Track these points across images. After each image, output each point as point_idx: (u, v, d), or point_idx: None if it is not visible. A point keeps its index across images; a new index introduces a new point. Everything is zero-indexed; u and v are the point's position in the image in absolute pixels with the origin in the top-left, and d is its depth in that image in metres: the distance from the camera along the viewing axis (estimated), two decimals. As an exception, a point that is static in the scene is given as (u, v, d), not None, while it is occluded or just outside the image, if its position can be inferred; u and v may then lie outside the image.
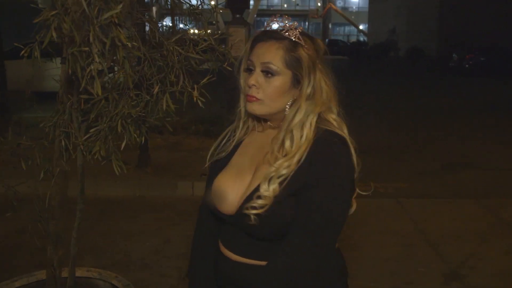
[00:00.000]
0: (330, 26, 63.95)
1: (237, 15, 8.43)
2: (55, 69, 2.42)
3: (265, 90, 1.53)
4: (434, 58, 31.14)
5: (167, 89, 1.96)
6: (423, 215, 5.51)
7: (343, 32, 64.17)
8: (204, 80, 2.05)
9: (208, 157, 1.71)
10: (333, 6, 62.38)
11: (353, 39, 57.33)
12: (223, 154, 1.67)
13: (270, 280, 1.52)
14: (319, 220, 1.48)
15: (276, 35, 1.55)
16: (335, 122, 1.57)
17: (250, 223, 1.50)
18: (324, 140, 1.51)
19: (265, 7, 65.67)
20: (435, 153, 8.28)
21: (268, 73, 1.53)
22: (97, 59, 1.57)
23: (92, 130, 1.96)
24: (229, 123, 1.74)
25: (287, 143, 1.52)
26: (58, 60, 2.22)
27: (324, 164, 1.48)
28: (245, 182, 1.59)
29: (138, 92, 1.99)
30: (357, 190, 1.60)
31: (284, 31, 1.55)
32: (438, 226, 5.18)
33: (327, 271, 1.60)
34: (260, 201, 1.48)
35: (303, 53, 1.54)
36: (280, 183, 1.49)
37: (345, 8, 64.67)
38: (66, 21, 1.63)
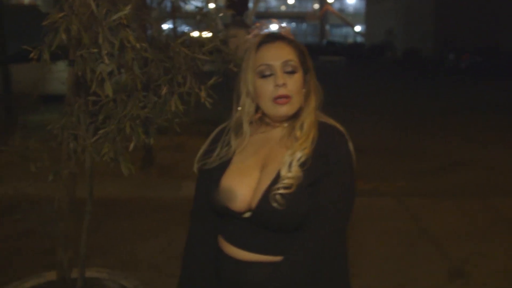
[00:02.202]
0: (327, 27, 64.02)
1: (238, 16, 8.45)
2: (59, 72, 2.44)
3: (291, 88, 1.59)
4: (430, 58, 31.19)
5: (175, 90, 1.98)
6: (424, 214, 5.52)
7: (340, 33, 64.18)
8: (211, 81, 2.08)
9: (196, 159, 1.72)
10: (330, 7, 62.46)
11: (350, 40, 57.42)
12: (223, 158, 1.67)
13: (291, 273, 1.54)
14: (336, 207, 1.55)
15: (278, 36, 1.64)
16: (324, 116, 1.67)
17: (272, 209, 1.53)
18: (328, 130, 1.61)
19: (263, 9, 65.70)
20: (435, 153, 8.31)
21: (291, 71, 1.59)
22: (106, 61, 1.59)
23: (100, 131, 1.98)
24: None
25: (298, 132, 1.60)
26: (63, 63, 2.24)
27: (336, 153, 1.57)
28: (254, 178, 1.62)
29: (146, 93, 2.00)
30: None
31: (279, 32, 1.65)
32: (440, 225, 5.19)
33: (343, 259, 1.64)
34: (285, 181, 1.53)
35: (303, 48, 1.64)
36: (301, 167, 1.54)
37: (342, 10, 64.74)
38: (75, 22, 1.65)
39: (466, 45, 27.39)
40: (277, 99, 1.58)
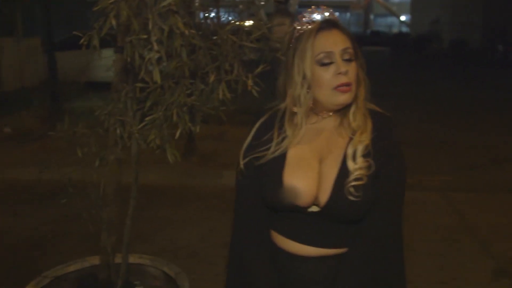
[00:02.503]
0: (372, 17, 63.09)
1: (282, 5, 8.40)
2: (104, 59, 2.44)
3: (351, 76, 1.56)
4: (478, 50, 30.39)
5: (222, 77, 1.96)
6: (470, 210, 5.39)
7: (385, 23, 63.15)
8: (259, 69, 2.05)
9: (241, 155, 1.68)
10: (375, -4, 61.47)
11: (395, 30, 56.45)
12: (277, 152, 1.62)
13: (359, 264, 1.56)
14: (395, 195, 1.58)
15: (334, 23, 1.59)
16: (368, 103, 1.65)
17: (346, 202, 1.53)
18: (378, 116, 1.62)
19: (306, -2, 65.14)
20: (482, 147, 8.08)
21: (349, 59, 1.56)
22: (155, 47, 1.58)
23: (147, 118, 1.98)
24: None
25: (352, 121, 1.59)
26: (109, 50, 2.24)
27: (391, 141, 1.58)
28: (315, 171, 1.58)
29: (193, 81, 1.99)
30: None
31: (333, 19, 1.62)
32: (486, 222, 5.06)
33: (401, 249, 1.65)
34: (357, 173, 1.53)
35: (352, 35, 1.61)
36: (364, 158, 1.54)
37: (387, -1, 63.66)
38: (124, 8, 1.64)
39: (515, 36, 26.58)
40: (339, 87, 1.54)
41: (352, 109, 1.59)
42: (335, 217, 1.57)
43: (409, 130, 8.36)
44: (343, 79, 1.54)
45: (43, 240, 4.49)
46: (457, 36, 34.19)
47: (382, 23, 63.18)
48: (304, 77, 1.56)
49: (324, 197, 1.55)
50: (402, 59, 27.84)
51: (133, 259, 2.60)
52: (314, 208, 1.58)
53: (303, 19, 1.62)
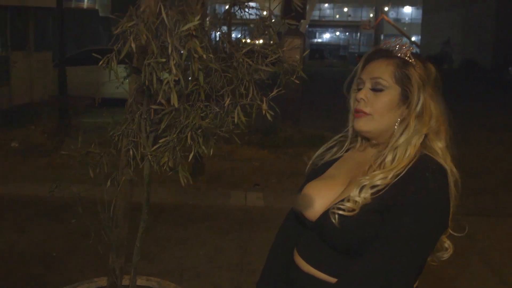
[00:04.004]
0: (382, 37, 63.31)
1: (293, 25, 8.43)
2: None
3: (373, 105, 1.54)
4: (489, 70, 30.38)
5: (237, 101, 1.95)
6: (481, 234, 5.31)
7: (395, 43, 63.30)
8: (273, 93, 2.03)
9: (309, 162, 1.76)
10: (385, 17, 61.80)
11: (405, 50, 56.49)
12: (321, 162, 1.72)
13: None
14: (398, 245, 1.42)
15: (387, 54, 1.59)
16: (440, 151, 1.54)
17: (331, 226, 1.47)
18: (423, 164, 1.47)
19: (317, 18, 65.60)
20: (494, 169, 8.02)
21: (377, 89, 1.54)
22: (174, 71, 1.57)
23: (161, 140, 1.96)
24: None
25: (389, 159, 1.51)
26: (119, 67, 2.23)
27: (417, 188, 1.43)
28: (336, 192, 1.57)
29: (207, 103, 1.98)
30: (449, 229, 1.56)
31: (395, 50, 1.59)
32: (497, 246, 5.00)
33: None
34: (348, 204, 1.46)
35: (413, 71, 1.54)
36: (372, 194, 1.46)
37: (397, 19, 64.00)
38: (144, 32, 1.63)
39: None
40: (355, 112, 1.59)
41: (392, 145, 1.52)
42: (321, 237, 1.55)
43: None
44: (358, 106, 1.57)
45: (49, 257, 4.45)
46: (468, 56, 34.24)
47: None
48: (350, 100, 1.65)
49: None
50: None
51: (140, 281, 2.57)
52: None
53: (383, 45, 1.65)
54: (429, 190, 1.43)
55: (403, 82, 1.54)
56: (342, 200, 1.50)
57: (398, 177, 1.46)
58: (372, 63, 1.59)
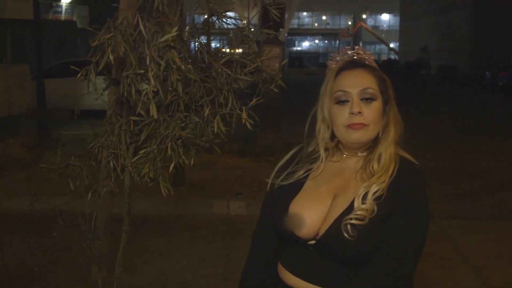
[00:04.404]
0: (360, 44, 63.88)
1: (272, 34, 8.46)
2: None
3: (368, 116, 1.56)
4: (466, 76, 30.79)
5: (217, 111, 1.95)
6: (463, 237, 5.38)
7: (373, 50, 63.96)
8: (253, 102, 2.04)
9: (270, 178, 1.72)
10: (363, 24, 62.39)
11: (384, 57, 57.14)
12: (291, 180, 1.66)
13: None
14: (403, 248, 1.49)
15: (359, 63, 1.61)
16: (403, 152, 1.62)
17: (342, 239, 1.48)
18: (406, 165, 1.56)
19: (296, 26, 65.93)
20: (474, 173, 8.11)
21: (368, 98, 1.56)
22: (153, 82, 1.58)
23: (141, 151, 1.96)
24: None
25: (375, 165, 1.55)
26: (97, 79, 2.21)
27: (411, 191, 1.52)
28: (325, 207, 1.57)
29: (187, 114, 1.98)
30: None
31: (364, 59, 1.62)
32: (479, 249, 5.05)
33: None
34: (359, 212, 1.48)
35: (386, 77, 1.60)
36: (375, 200, 1.50)
37: (375, 27, 64.67)
38: (121, 43, 1.64)
39: (503, 62, 26.95)
40: (351, 126, 1.56)
41: (378, 151, 1.57)
42: (328, 253, 1.53)
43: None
44: (355, 119, 1.55)
45: (31, 272, 4.40)
46: (445, 62, 34.68)
47: (371, 51, 63.77)
48: (323, 113, 1.62)
49: (323, 231, 1.54)
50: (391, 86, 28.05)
51: (124, 293, 2.55)
52: (313, 242, 1.56)
53: (336, 58, 1.66)
54: (419, 191, 1.54)
55: (383, 90, 1.59)
56: (347, 212, 1.51)
57: (391, 181, 1.52)
58: (347, 73, 1.60)
